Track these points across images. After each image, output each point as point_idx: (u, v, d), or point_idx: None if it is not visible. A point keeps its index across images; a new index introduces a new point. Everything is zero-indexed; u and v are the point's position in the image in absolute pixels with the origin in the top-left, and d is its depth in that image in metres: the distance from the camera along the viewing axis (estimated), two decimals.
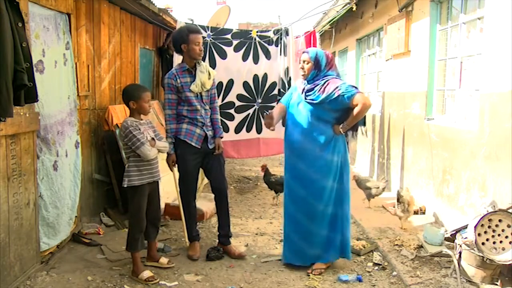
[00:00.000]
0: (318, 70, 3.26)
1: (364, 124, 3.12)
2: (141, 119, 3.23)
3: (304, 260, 3.39)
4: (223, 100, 5.33)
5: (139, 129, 3.11)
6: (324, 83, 3.20)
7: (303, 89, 3.31)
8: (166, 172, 3.76)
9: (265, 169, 5.48)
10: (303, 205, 3.33)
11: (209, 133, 3.58)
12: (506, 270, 3.02)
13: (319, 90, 3.20)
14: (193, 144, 3.50)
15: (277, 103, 5.56)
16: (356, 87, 3.21)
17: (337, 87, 3.14)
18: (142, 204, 3.19)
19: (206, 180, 4.45)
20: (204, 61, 4.31)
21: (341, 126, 3.24)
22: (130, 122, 3.11)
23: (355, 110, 3.15)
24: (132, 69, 5.37)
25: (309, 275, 3.27)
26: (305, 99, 3.28)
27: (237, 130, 5.48)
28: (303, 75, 3.32)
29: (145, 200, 3.21)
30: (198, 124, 3.52)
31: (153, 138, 3.21)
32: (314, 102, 3.21)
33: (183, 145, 3.50)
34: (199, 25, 4.88)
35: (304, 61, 3.29)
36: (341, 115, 3.26)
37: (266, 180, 5.49)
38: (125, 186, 3.11)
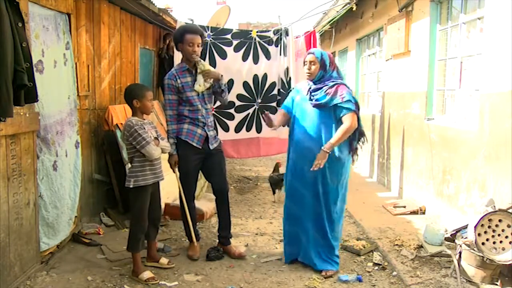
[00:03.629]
0: (324, 70, 3.25)
1: (359, 141, 3.16)
2: (144, 119, 3.23)
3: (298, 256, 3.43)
4: None
5: (144, 128, 3.11)
6: (333, 85, 3.19)
7: (309, 89, 3.29)
8: (166, 172, 3.76)
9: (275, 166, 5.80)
10: (304, 206, 3.32)
11: (210, 133, 3.58)
12: (506, 270, 3.02)
13: (326, 91, 3.18)
14: (194, 144, 3.50)
15: (276, 103, 5.57)
16: (356, 103, 3.17)
17: (342, 95, 3.13)
18: (145, 205, 3.19)
19: None
20: (204, 61, 4.30)
21: (324, 146, 3.12)
22: (135, 121, 3.11)
23: (340, 128, 3.11)
24: (132, 69, 5.37)
25: (312, 278, 3.26)
26: (310, 99, 3.26)
27: (237, 129, 5.49)
28: (309, 76, 3.29)
29: (148, 201, 3.21)
30: (199, 125, 3.52)
31: (156, 138, 3.22)
32: (318, 102, 3.20)
33: (184, 146, 3.50)
34: (199, 25, 4.88)
35: (310, 62, 3.25)
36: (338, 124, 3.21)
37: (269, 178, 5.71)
38: (131, 186, 3.10)
